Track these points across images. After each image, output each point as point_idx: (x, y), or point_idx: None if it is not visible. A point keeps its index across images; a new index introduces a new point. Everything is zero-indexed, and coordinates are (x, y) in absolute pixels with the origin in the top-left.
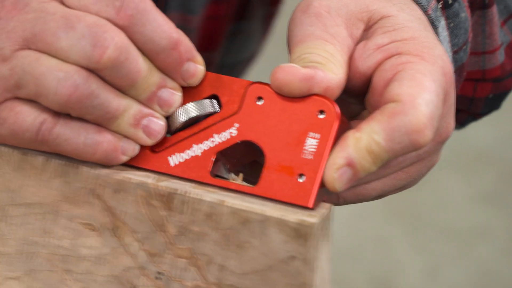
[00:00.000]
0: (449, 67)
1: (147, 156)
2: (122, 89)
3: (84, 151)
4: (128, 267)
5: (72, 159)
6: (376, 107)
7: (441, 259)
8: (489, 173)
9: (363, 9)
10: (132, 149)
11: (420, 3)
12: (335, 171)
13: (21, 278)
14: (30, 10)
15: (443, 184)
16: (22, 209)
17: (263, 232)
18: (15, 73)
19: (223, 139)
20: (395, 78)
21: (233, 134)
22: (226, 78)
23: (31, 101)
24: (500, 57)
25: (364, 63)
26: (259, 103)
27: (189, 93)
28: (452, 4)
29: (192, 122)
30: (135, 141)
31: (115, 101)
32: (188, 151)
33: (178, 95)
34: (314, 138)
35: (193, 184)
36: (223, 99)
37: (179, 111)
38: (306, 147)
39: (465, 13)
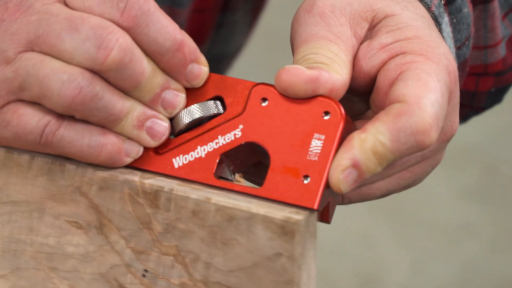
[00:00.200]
0: (454, 66)
1: (151, 158)
2: (126, 91)
3: (88, 153)
4: (114, 264)
5: (57, 156)
6: (381, 107)
7: (426, 255)
8: (473, 169)
9: (367, 8)
10: (136, 151)
11: (423, 0)
12: (340, 172)
13: (7, 276)
14: (33, 12)
15: (428, 180)
16: (7, 207)
17: (249, 229)
18: (19, 75)
19: (228, 141)
20: (400, 78)
21: (237, 136)
22: (230, 79)
23: (35, 103)
24: (501, 51)
25: (369, 63)
26: (264, 104)
27: (193, 94)
28: (454, 0)
29: (196, 123)
30: (139, 143)
31: (119, 103)
32: (192, 153)
33: (182, 97)
34: (319, 139)
35: (179, 182)
36: (227, 101)
37: (183, 113)
38: (311, 149)
39: (467, 8)
